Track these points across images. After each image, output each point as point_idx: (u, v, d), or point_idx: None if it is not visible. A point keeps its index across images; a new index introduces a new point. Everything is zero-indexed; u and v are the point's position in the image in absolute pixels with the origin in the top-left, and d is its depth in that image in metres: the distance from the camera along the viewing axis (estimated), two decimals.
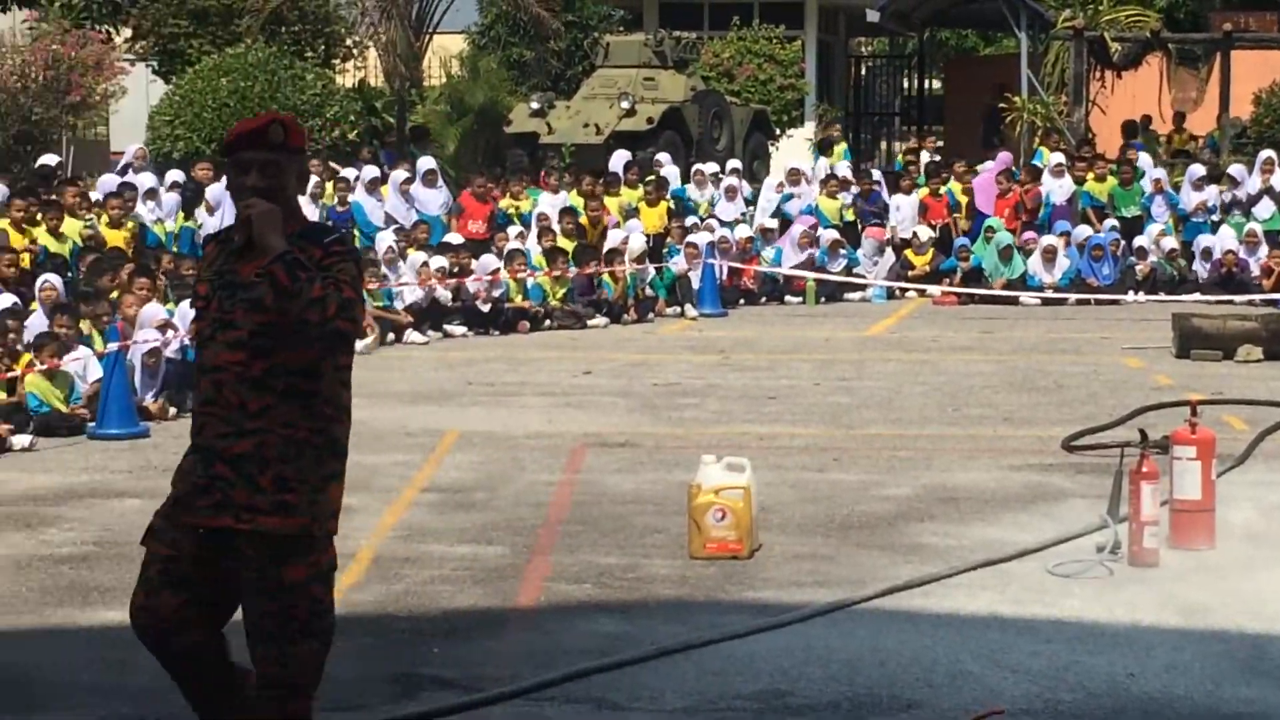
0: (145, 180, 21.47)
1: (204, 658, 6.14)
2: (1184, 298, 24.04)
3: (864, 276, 25.62)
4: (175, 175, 22.66)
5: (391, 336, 21.07)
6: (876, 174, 28.76)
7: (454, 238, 23.35)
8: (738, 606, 9.36)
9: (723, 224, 25.73)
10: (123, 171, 22.36)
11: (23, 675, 8.07)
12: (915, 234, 26.04)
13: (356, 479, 12.65)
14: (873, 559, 10.32)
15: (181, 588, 6.04)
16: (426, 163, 25.13)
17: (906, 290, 25.45)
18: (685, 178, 27.12)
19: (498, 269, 22.38)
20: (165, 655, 6.15)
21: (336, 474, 6.14)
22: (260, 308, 5.89)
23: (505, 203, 25.06)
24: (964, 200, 26.82)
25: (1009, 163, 27.78)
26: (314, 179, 23.53)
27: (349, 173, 24.38)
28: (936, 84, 44.82)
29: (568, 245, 23.35)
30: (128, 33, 31.28)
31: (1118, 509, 10.23)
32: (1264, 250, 24.89)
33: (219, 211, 21.49)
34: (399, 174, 24.46)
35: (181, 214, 21.60)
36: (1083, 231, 25.65)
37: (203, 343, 6.07)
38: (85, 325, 15.73)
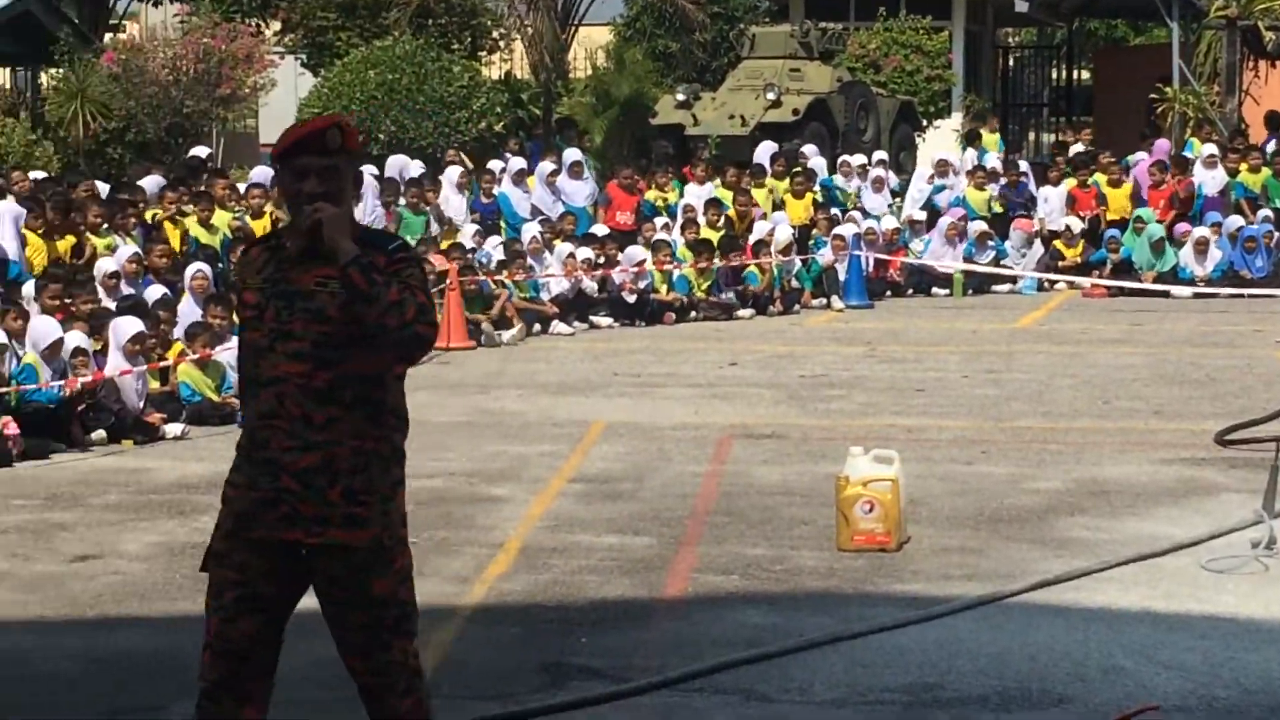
0: None
1: (269, 672, 6.00)
2: None
3: (1011, 268, 25.40)
4: None
5: (538, 328, 21.13)
6: (1024, 165, 28.51)
7: (600, 229, 23.38)
8: (886, 599, 9.30)
9: (869, 215, 25.61)
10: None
11: (176, 662, 8.14)
12: (1067, 226, 25.75)
13: (505, 469, 12.83)
14: (1022, 552, 10.22)
15: (259, 611, 5.84)
16: (572, 154, 25.18)
17: (1055, 282, 25.20)
18: (831, 169, 26.99)
19: (644, 260, 22.39)
20: (236, 676, 5.90)
21: (401, 481, 5.99)
22: (322, 317, 5.71)
23: (651, 194, 25.05)
24: (1111, 192, 26.48)
25: (1165, 153, 27.44)
26: (460, 169, 23.67)
27: (494, 165, 24.46)
28: (1085, 74, 44.35)
29: (712, 237, 23.32)
30: (277, 26, 31.58)
31: (1274, 504, 10.08)
32: None
33: (362, 202, 21.64)
34: (545, 166, 24.51)
35: None
36: (1235, 223, 25.26)
37: (258, 353, 5.80)
38: (236, 315, 15.88)
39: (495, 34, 31.95)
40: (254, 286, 5.80)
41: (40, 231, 16.93)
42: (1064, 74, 43.01)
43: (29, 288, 15.57)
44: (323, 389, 5.72)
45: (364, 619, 5.86)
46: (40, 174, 21.32)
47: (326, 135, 5.76)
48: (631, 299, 22.09)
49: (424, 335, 5.75)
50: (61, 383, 13.73)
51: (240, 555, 5.81)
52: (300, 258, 5.75)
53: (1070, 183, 26.85)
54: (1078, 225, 25.78)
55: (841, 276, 23.81)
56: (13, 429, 13.45)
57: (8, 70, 32.39)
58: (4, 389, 13.75)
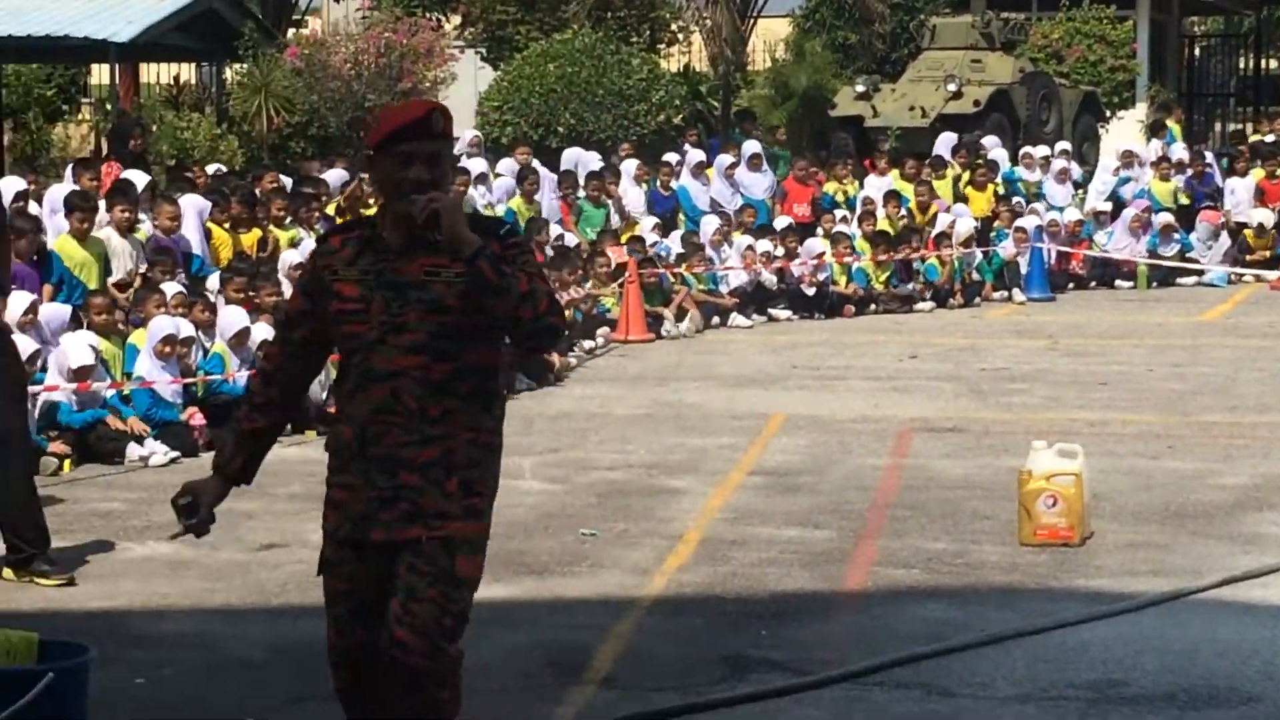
0: (477, 165, 21.78)
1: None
2: None
3: (1197, 261, 25.02)
4: (508, 163, 22.90)
5: (716, 320, 21.12)
6: (1209, 156, 28.08)
7: (781, 221, 23.32)
8: (1069, 594, 9.20)
9: (1051, 207, 25.34)
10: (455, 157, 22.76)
11: None
12: (1260, 223, 25.25)
13: (684, 461, 12.84)
14: (1209, 548, 10.07)
15: (372, 619, 5.67)
16: (752, 146, 25.12)
17: (1242, 275, 24.78)
18: (1013, 160, 26.74)
19: (822, 253, 22.31)
20: (354, 687, 5.80)
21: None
22: (439, 308, 5.51)
23: (830, 186, 24.95)
24: None
25: None
26: (638, 162, 23.69)
27: (670, 157, 24.46)
28: (1275, 63, 43.61)
29: (890, 229, 23.19)
30: (457, 20, 31.78)
31: None
32: None
33: (541, 193, 21.73)
34: (724, 158, 24.48)
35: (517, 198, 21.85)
36: None
37: (365, 347, 5.56)
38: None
39: (674, 27, 31.94)
40: (350, 278, 5.58)
41: (225, 225, 17.14)
42: (1252, 63, 42.30)
43: (214, 280, 15.78)
44: (440, 381, 5.55)
45: (435, 594, 5.57)
46: (220, 167, 21.60)
47: (432, 119, 5.54)
48: (810, 291, 22.02)
49: (557, 327, 5.66)
50: (249, 373, 13.90)
51: (349, 565, 5.71)
52: (403, 247, 5.55)
53: (1258, 174, 26.39)
54: (1270, 218, 25.27)
55: (1023, 269, 23.59)
56: (199, 420, 13.66)
57: (193, 66, 32.88)
58: (191, 379, 13.96)
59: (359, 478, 5.61)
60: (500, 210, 20.86)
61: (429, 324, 5.51)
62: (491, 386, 5.70)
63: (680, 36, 32.43)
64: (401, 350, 5.53)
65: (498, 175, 22.02)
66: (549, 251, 20.15)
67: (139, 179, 17.34)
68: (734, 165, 24.35)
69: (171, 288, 14.79)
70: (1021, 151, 26.98)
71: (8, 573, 9.44)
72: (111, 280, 15.08)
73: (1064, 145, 27.74)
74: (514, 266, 5.49)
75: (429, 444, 5.56)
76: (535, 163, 22.43)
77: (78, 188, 16.47)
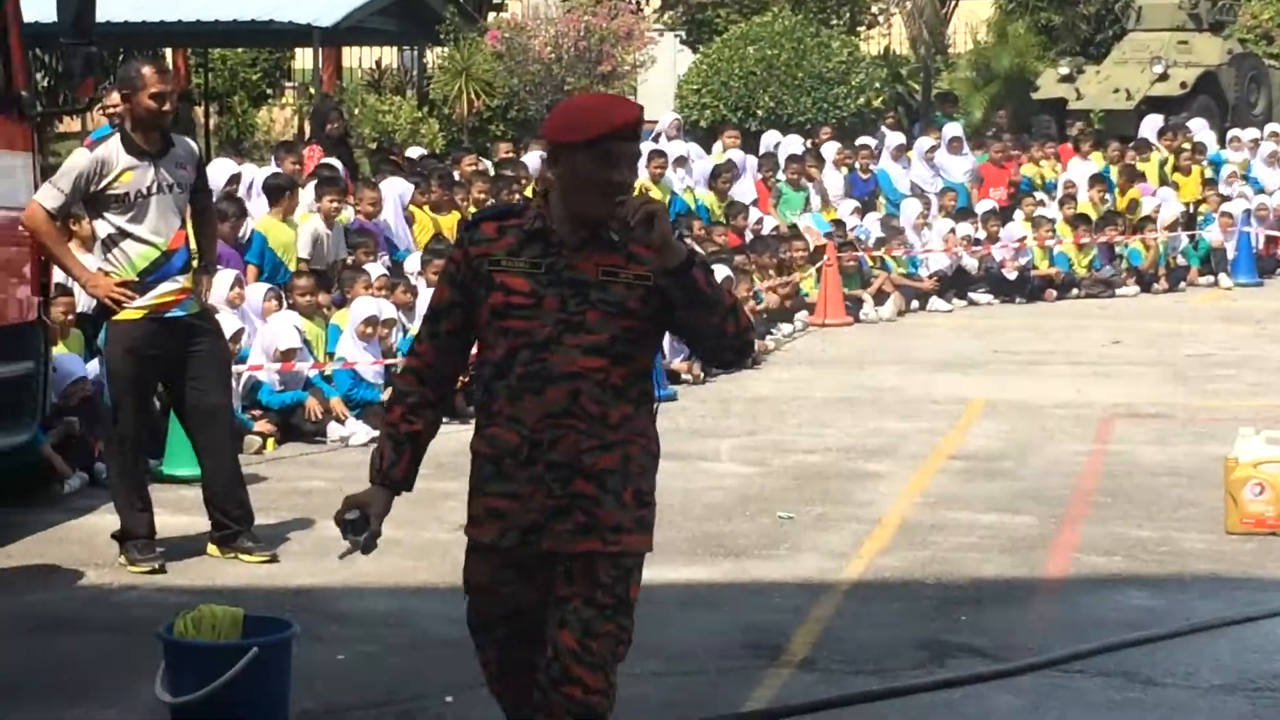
0: (676, 148, 21.78)
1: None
2: None
3: None
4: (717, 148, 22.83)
5: (915, 304, 20.98)
6: None
7: (982, 205, 23.10)
8: (1277, 584, 9.02)
9: (1260, 191, 24.88)
10: (655, 139, 22.78)
11: None
12: None
13: (883, 445, 12.76)
14: None
15: (534, 640, 5.34)
16: (953, 129, 24.90)
17: None
18: (1221, 143, 26.29)
19: (1024, 236, 22.08)
20: (518, 711, 5.52)
21: None
22: (623, 311, 5.21)
23: (1029, 169, 24.68)
24: None
25: None
26: (836, 146, 23.56)
27: (864, 140, 24.29)
28: None
29: (1092, 212, 22.89)
30: (657, 3, 31.81)
31: None
32: None
33: (743, 177, 21.68)
34: (924, 141, 24.29)
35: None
36: None
37: (540, 345, 5.20)
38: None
39: (874, 9, 31.74)
40: (516, 269, 5.22)
41: (426, 208, 17.26)
42: None
43: (413, 262, 15.89)
44: (619, 385, 5.25)
45: (610, 628, 5.25)
46: (419, 151, 21.76)
47: (639, 120, 5.23)
48: (1011, 275, 21.80)
49: (753, 342, 5.53)
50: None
51: (511, 585, 5.35)
52: (579, 243, 5.22)
53: None
54: None
55: (1230, 254, 23.19)
56: None
57: (395, 49, 33.18)
58: (391, 360, 14.09)
59: (528, 485, 5.23)
60: (700, 194, 20.85)
61: (612, 326, 5.21)
62: (651, 390, 5.42)
63: (881, 19, 32.22)
64: (582, 351, 5.20)
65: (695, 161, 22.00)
66: (748, 235, 20.11)
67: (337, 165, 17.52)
68: (934, 148, 24.15)
69: (374, 270, 14.94)
70: (1230, 134, 26.52)
71: (213, 549, 9.58)
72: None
73: (1274, 127, 27.22)
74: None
75: (609, 450, 5.24)
76: (737, 153, 22.34)
77: (280, 170, 16.68)
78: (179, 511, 10.25)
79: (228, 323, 11.85)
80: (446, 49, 26.67)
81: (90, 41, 10.29)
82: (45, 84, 23.26)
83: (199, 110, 32.01)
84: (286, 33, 26.55)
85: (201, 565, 9.48)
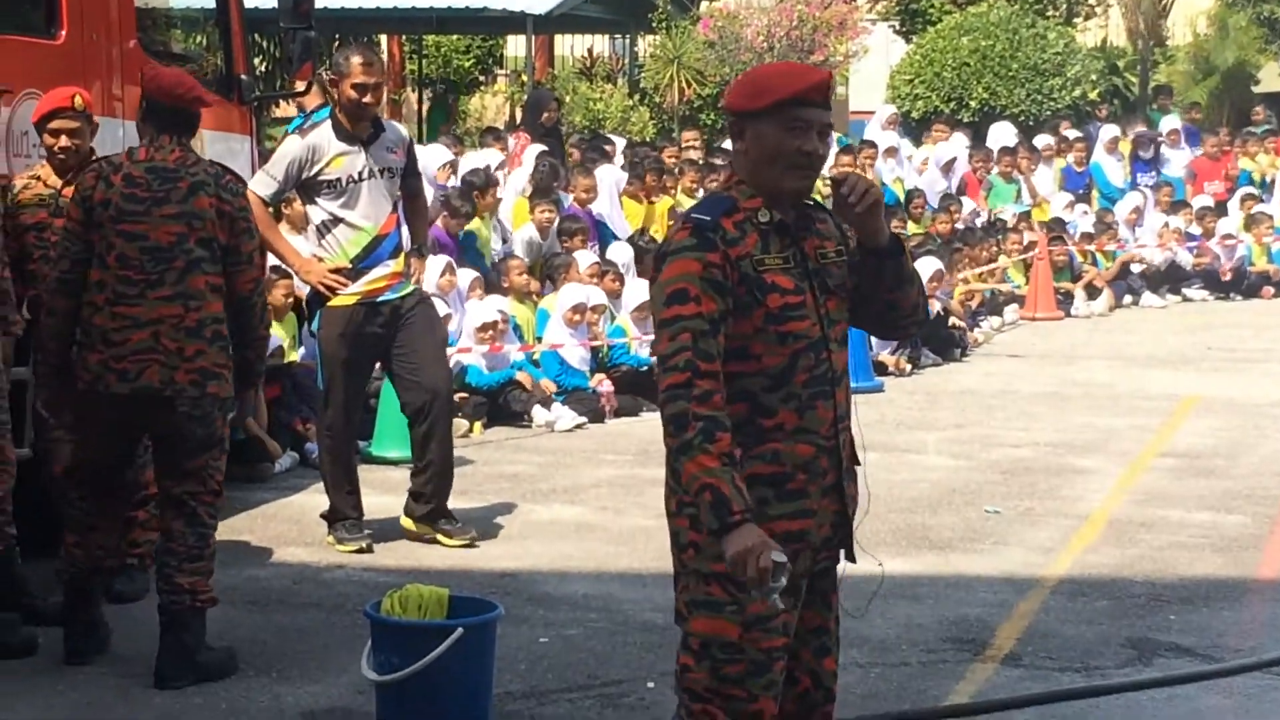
0: (888, 138, 21.68)
1: None
2: None
3: None
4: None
5: (1128, 299, 20.70)
6: None
7: (1199, 200, 22.73)
8: None
9: None
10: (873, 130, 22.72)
11: None
12: None
13: (1092, 441, 12.60)
14: None
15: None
16: (1170, 122, 24.53)
17: None
18: None
19: (1233, 233, 21.72)
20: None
21: None
22: (845, 293, 4.88)
23: (1247, 163, 24.24)
24: None
25: None
26: (1050, 139, 23.29)
27: (1069, 133, 23.98)
28: None
29: None
30: None
31: None
32: None
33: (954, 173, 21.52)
34: (1138, 134, 23.93)
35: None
36: None
37: (815, 345, 4.77)
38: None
39: (1091, 0, 31.35)
40: (777, 266, 4.74)
41: (638, 196, 17.30)
42: None
43: (622, 251, 15.92)
44: (842, 374, 4.91)
45: (836, 629, 5.06)
46: (631, 138, 21.83)
47: (830, 85, 4.80)
48: (1227, 274, 21.45)
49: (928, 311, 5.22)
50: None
51: (786, 615, 4.77)
52: (793, 228, 4.82)
53: None
54: None
55: None
56: (607, 386, 13.84)
57: (607, 37, 33.31)
58: (597, 343, 14.15)
59: (820, 499, 4.80)
60: (909, 184, 20.74)
61: (842, 313, 4.89)
62: None
63: (1098, 10, 31.79)
64: (838, 344, 4.85)
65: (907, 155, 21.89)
66: (958, 226, 19.96)
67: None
68: (1150, 142, 23.79)
69: (586, 257, 14.99)
70: None
71: (408, 522, 9.63)
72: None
73: None
74: None
75: (855, 461, 4.96)
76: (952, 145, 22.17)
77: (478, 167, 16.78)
78: (386, 492, 10.36)
79: (438, 309, 11.95)
80: (658, 37, 26.72)
81: (309, 27, 10.44)
82: (263, 69, 23.59)
83: (412, 96, 32.35)
84: (500, 20, 26.76)
85: (407, 546, 9.56)
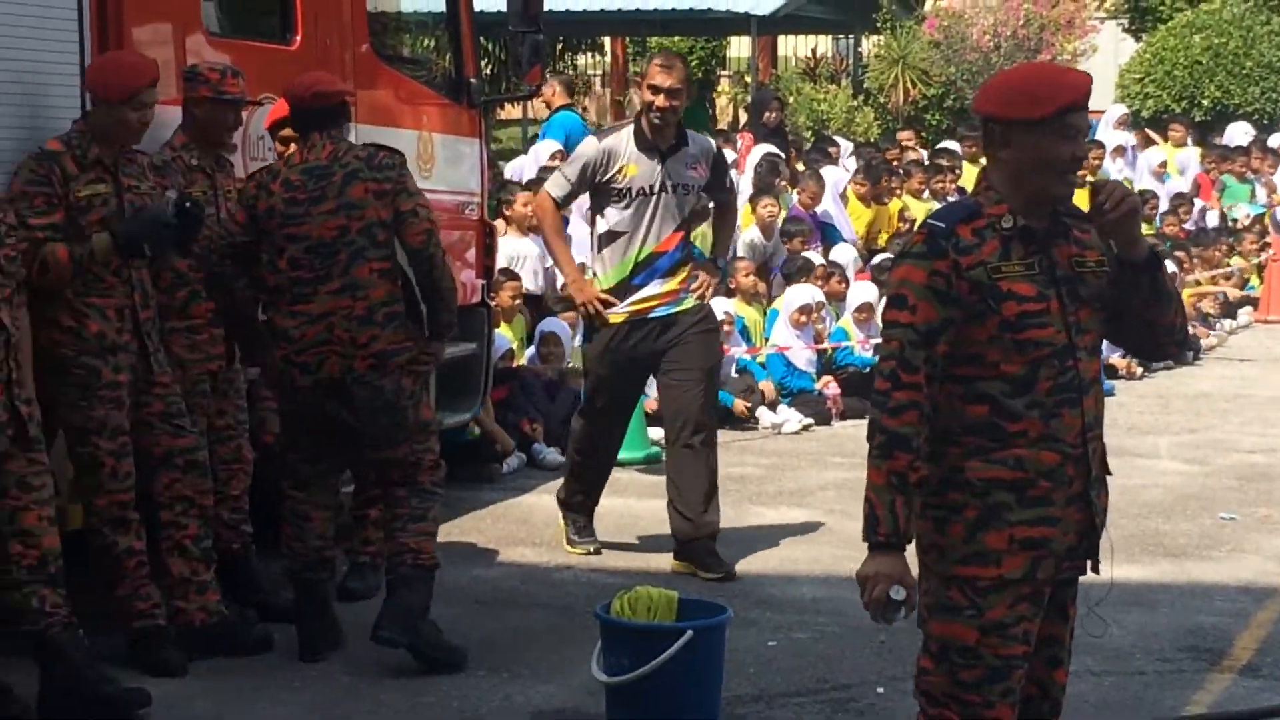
0: (1117, 138, 21.40)
1: None
2: None
3: None
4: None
5: None
6: None
7: None
8: None
9: None
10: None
11: None
12: None
13: None
14: None
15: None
16: None
17: None
18: None
19: None
20: None
21: None
22: (1100, 304, 4.79)
23: None
24: None
25: None
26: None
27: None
28: None
29: None
30: None
31: None
32: None
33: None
34: None
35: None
36: None
37: (1060, 354, 4.70)
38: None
39: None
40: (1017, 274, 4.67)
41: (865, 199, 17.19)
42: None
43: (845, 254, 15.82)
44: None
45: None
46: (856, 139, 21.74)
47: (1090, 91, 4.75)
48: None
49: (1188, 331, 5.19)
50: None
51: (1028, 620, 4.76)
52: (1049, 235, 4.75)
53: None
54: None
55: None
56: (833, 389, 13.78)
57: (830, 38, 33.19)
58: (823, 346, 14.10)
59: (1065, 506, 4.72)
60: (1138, 187, 20.43)
61: (1095, 322, 4.81)
62: None
63: None
64: (1087, 353, 4.77)
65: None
66: (1189, 228, 19.64)
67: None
68: None
69: (811, 258, 14.95)
70: None
71: (674, 563, 9.22)
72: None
73: None
74: None
75: (1107, 471, 4.90)
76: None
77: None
78: (616, 494, 10.38)
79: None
80: (883, 37, 26.57)
81: (538, 30, 10.48)
82: (488, 71, 23.81)
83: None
84: (724, 21, 26.75)
85: (637, 548, 9.59)
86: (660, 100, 8.73)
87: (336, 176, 7.39)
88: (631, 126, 8.92)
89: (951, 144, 20.17)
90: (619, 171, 8.81)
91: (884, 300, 4.76)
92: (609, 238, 8.94)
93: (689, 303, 8.98)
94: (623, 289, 8.91)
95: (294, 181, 7.41)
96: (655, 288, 8.91)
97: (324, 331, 7.36)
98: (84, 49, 7.45)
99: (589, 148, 8.99)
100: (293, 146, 8.00)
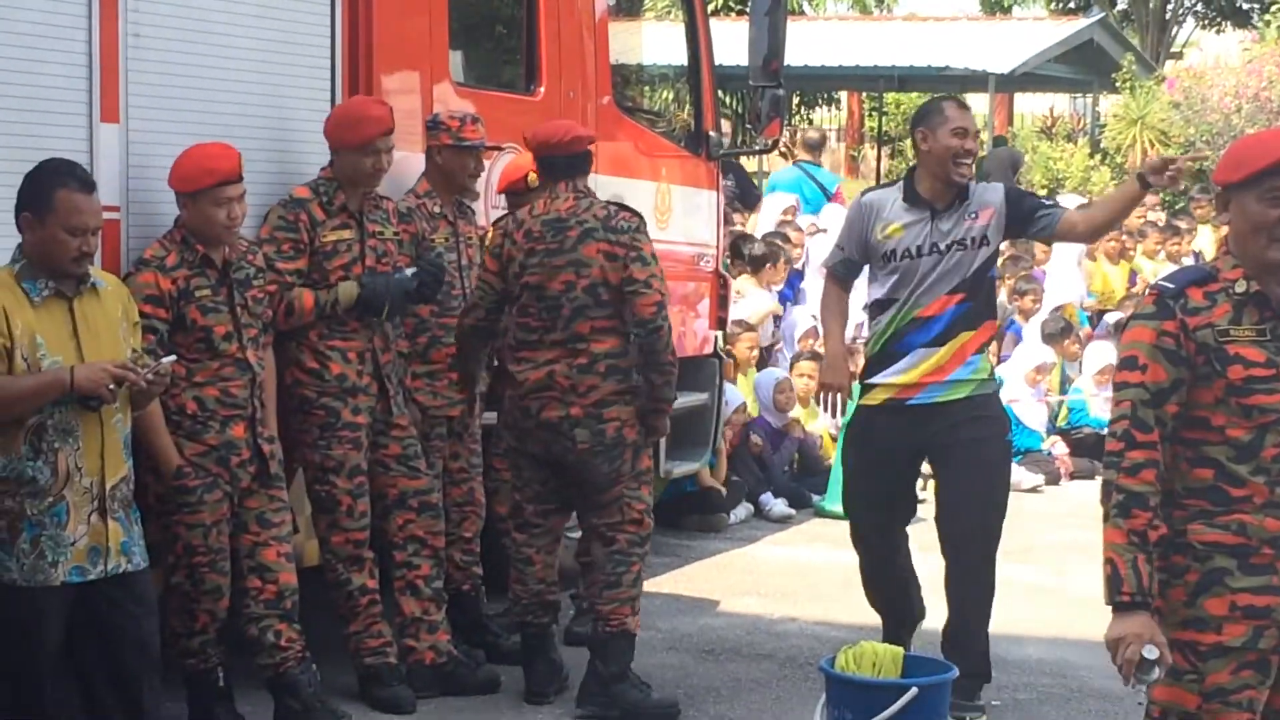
0: None
1: None
2: None
3: None
4: None
5: None
6: None
7: None
8: None
9: None
10: None
11: None
12: None
13: None
14: None
15: None
16: None
17: None
18: None
19: None
20: None
21: None
22: None
23: None
24: None
25: None
26: None
27: None
28: None
29: None
30: None
31: None
32: None
33: None
34: None
35: None
36: None
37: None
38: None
39: None
40: (1246, 339, 4.63)
41: (1099, 259, 17.03)
42: None
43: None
44: None
45: None
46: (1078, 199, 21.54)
47: None
48: None
49: None
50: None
51: (1254, 689, 4.68)
52: (1277, 302, 4.68)
53: None
54: None
55: None
56: (1061, 449, 13.68)
57: (1068, 96, 32.98)
58: (1057, 398, 14.00)
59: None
60: None
61: None
62: None
63: None
64: None
65: None
66: None
67: None
68: None
69: (1043, 318, 14.86)
70: None
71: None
72: None
73: None
74: None
75: None
76: None
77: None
78: (837, 547, 10.36)
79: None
80: (1122, 97, 26.36)
81: (778, 85, 10.53)
82: (727, 124, 23.97)
83: (870, 153, 32.48)
84: (962, 78, 26.72)
85: (860, 601, 9.56)
86: (969, 144, 7.52)
87: (572, 232, 7.44)
88: (903, 182, 7.70)
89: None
90: (885, 232, 7.55)
91: (1117, 361, 4.76)
92: (879, 305, 7.67)
93: (964, 391, 7.56)
94: (880, 360, 7.64)
95: (535, 232, 7.50)
96: (913, 360, 7.54)
97: (546, 378, 7.43)
98: (335, 99, 7.63)
99: (852, 208, 7.92)
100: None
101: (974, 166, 7.61)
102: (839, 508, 11.42)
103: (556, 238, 7.45)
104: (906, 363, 7.50)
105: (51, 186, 5.72)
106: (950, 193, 7.48)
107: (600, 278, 7.39)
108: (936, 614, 8.29)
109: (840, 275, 7.84)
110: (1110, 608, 4.59)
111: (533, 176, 8.07)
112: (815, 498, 12.03)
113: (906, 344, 7.50)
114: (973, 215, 7.48)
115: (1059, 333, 14.49)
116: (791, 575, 10.28)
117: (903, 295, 7.51)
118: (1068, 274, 16.42)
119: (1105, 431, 13.38)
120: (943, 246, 7.45)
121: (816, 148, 17.08)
